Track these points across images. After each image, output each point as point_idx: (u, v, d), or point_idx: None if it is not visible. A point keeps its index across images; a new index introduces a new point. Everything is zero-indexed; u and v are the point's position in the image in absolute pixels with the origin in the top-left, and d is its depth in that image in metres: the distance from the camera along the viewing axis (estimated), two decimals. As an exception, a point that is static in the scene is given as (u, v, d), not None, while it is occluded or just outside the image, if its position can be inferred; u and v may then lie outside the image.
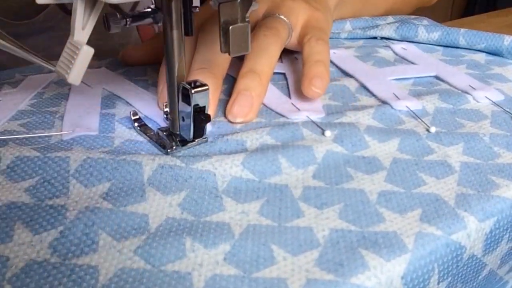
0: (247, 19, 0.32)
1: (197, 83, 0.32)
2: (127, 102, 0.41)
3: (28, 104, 0.41)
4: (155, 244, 0.26)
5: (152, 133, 0.36)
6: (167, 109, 0.35)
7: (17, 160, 0.32)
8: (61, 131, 0.35)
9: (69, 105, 0.39)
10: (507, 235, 0.32)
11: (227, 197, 0.30)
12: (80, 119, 0.37)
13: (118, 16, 0.30)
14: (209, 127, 0.37)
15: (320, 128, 0.37)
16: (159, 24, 0.32)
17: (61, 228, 0.27)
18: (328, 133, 0.36)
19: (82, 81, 0.43)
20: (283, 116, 0.39)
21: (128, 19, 0.30)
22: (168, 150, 0.34)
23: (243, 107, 0.38)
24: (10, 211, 0.28)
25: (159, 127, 0.36)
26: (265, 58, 0.40)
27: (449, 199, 0.31)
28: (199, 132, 0.34)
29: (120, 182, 0.30)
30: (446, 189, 0.32)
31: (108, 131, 0.36)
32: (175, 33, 0.32)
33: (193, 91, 0.32)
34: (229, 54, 0.32)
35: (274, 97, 0.42)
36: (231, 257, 0.26)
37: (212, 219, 0.28)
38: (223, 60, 0.40)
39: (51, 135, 0.35)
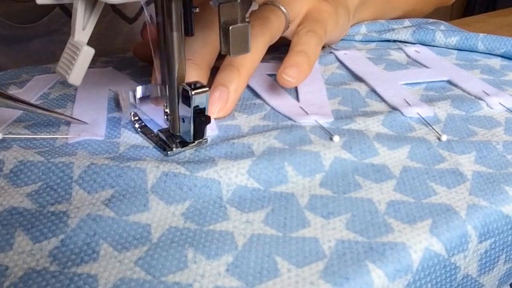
0: (247, 19, 0.32)
1: (197, 85, 0.32)
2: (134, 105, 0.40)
3: (34, 105, 0.40)
4: (157, 255, 0.26)
5: (152, 134, 0.36)
6: (167, 110, 0.35)
7: (20, 165, 0.31)
8: (67, 135, 0.35)
9: (76, 110, 0.39)
10: (504, 256, 0.31)
11: (232, 207, 0.29)
12: (87, 124, 0.37)
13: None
14: (215, 131, 0.36)
15: (329, 133, 0.36)
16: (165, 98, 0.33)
17: (62, 236, 0.27)
18: (336, 138, 0.35)
19: (88, 82, 0.43)
20: (291, 119, 0.39)
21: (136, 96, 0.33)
22: (169, 152, 0.34)
23: (218, 103, 0.37)
24: (11, 216, 0.28)
25: (159, 128, 0.36)
26: None
27: (461, 209, 0.30)
28: (199, 133, 0.34)
29: (123, 189, 0.30)
30: (458, 199, 0.31)
31: (114, 136, 0.36)
32: (175, 34, 0.31)
33: (193, 93, 0.32)
34: (229, 54, 0.32)
35: (282, 100, 0.42)
36: (233, 268, 0.25)
37: (215, 228, 0.28)
38: (209, 51, 0.39)
39: (56, 138, 0.35)
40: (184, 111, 0.33)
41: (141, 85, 0.35)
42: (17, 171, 0.31)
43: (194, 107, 0.32)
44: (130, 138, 0.36)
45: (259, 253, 0.26)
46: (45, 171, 0.31)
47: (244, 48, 0.32)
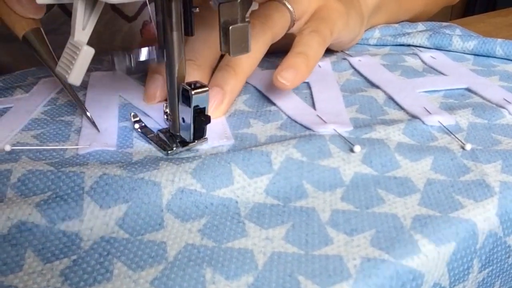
0: (247, 19, 0.31)
1: (197, 84, 0.32)
2: (144, 113, 0.39)
3: (41, 112, 0.39)
4: (173, 275, 0.24)
5: (152, 134, 0.35)
6: (167, 110, 0.34)
7: (28, 174, 0.30)
8: (77, 145, 0.34)
9: (86, 119, 0.38)
10: (499, 282, 0.30)
11: (250, 222, 0.28)
12: (98, 134, 0.35)
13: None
14: (231, 140, 0.35)
15: (349, 142, 0.34)
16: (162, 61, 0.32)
17: (74, 257, 0.25)
18: (357, 148, 0.33)
19: (97, 87, 0.42)
20: (308, 129, 0.37)
21: (132, 58, 0.32)
22: (169, 152, 0.33)
23: (211, 104, 0.37)
24: (21, 234, 0.26)
25: (159, 128, 0.36)
26: None
27: (481, 235, 0.28)
28: (199, 133, 0.33)
29: (137, 205, 0.28)
30: (483, 218, 0.29)
31: (126, 146, 0.35)
32: (175, 34, 0.31)
33: (193, 92, 0.31)
34: (229, 55, 0.32)
35: (298, 108, 0.40)
36: (254, 290, 0.24)
37: (234, 245, 0.26)
38: (211, 51, 0.38)
39: (66, 149, 0.34)
40: (184, 111, 0.32)
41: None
42: (25, 179, 0.30)
43: (194, 106, 0.32)
44: (143, 148, 0.34)
45: (281, 272, 0.25)
46: (54, 180, 0.30)
47: (244, 48, 0.32)
